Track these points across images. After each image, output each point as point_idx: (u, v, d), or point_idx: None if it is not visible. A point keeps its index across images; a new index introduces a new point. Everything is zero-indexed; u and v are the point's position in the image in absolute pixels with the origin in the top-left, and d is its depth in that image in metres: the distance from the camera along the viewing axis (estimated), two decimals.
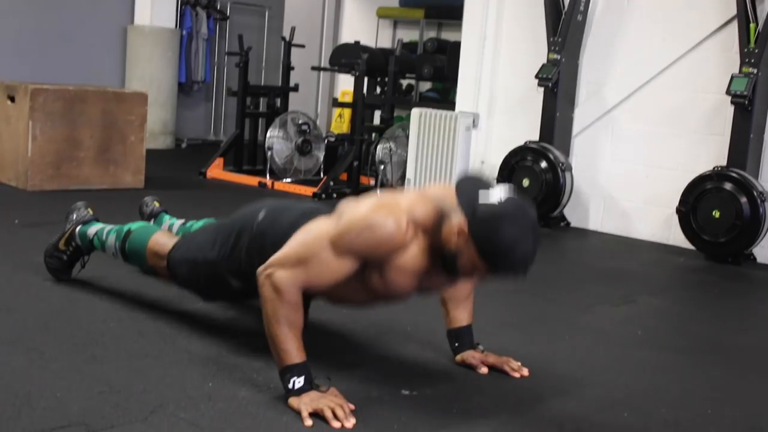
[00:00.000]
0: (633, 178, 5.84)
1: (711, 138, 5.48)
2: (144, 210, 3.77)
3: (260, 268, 2.45)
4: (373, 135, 6.95)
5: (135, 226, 3.24)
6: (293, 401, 2.36)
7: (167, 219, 3.64)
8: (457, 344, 2.88)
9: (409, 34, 9.19)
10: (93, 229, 3.36)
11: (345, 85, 9.20)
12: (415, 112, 6.28)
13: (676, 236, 5.49)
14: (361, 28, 9.60)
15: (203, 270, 2.90)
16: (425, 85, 8.77)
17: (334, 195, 6.46)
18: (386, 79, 7.07)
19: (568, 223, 6.07)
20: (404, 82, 8.54)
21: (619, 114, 5.90)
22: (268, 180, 6.76)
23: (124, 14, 8.77)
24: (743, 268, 5.06)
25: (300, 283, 2.39)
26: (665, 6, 5.68)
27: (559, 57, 5.87)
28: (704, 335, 3.57)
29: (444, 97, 8.11)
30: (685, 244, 5.35)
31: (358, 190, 6.69)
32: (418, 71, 7.36)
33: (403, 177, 6.50)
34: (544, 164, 5.79)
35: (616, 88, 5.89)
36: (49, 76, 7.80)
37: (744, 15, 5.12)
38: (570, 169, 5.88)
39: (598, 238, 5.82)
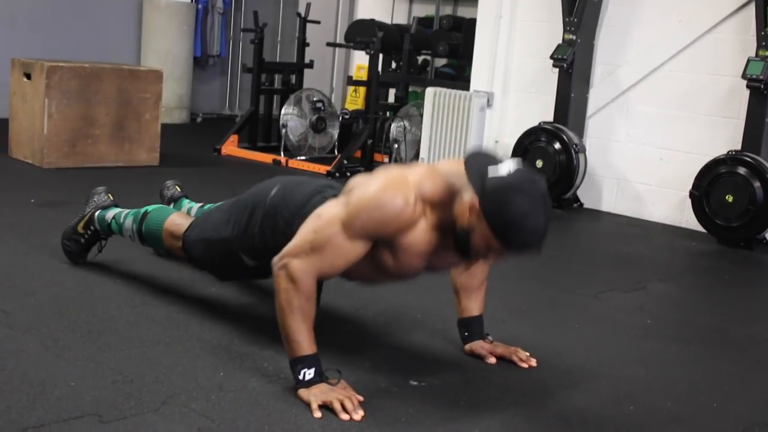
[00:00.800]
0: (647, 160, 5.83)
1: (726, 121, 5.46)
2: (164, 193, 3.79)
3: (275, 258, 2.48)
4: (388, 113, 6.95)
5: (152, 208, 3.29)
6: (303, 393, 2.40)
7: (186, 203, 3.67)
8: (466, 334, 2.91)
9: (425, 9, 9.12)
10: (111, 213, 3.40)
11: (360, 59, 9.16)
12: (430, 91, 6.28)
13: (689, 219, 5.49)
14: (376, 3, 9.53)
15: (218, 248, 2.93)
16: (441, 60, 8.74)
17: (348, 174, 6.47)
18: (401, 56, 7.05)
19: (582, 204, 6.07)
20: (420, 58, 8.51)
21: (634, 95, 5.88)
22: (282, 157, 6.78)
23: None
24: (756, 252, 5.05)
25: (315, 271, 2.42)
26: None
27: (574, 37, 5.84)
28: (713, 325, 3.59)
29: (459, 73, 8.08)
30: (698, 227, 5.35)
31: (372, 168, 6.69)
32: (433, 48, 7.34)
33: (417, 156, 6.51)
34: (557, 145, 5.78)
35: (632, 70, 5.86)
36: (65, 51, 7.82)
37: None
38: (584, 150, 5.87)
39: (611, 220, 5.83)
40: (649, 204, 5.84)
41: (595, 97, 6.02)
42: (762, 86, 5.04)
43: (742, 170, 5.06)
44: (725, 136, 5.44)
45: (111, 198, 3.50)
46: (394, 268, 2.50)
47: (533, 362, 2.86)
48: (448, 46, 7.19)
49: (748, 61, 5.11)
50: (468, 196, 2.32)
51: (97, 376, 2.44)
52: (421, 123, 6.42)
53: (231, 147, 7.12)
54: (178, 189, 3.79)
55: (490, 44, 6.41)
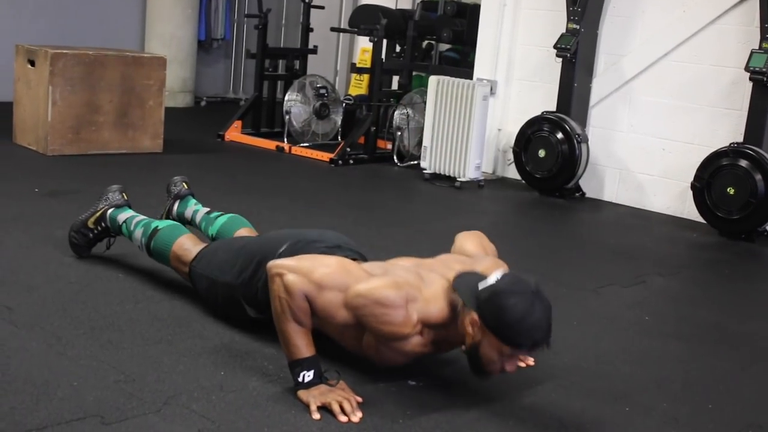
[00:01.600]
0: (649, 150, 5.84)
1: (729, 112, 5.46)
2: (172, 189, 3.72)
3: (271, 263, 2.51)
4: (391, 100, 6.95)
5: (162, 224, 3.28)
6: (302, 394, 2.43)
7: (192, 204, 3.62)
8: None
9: None
10: (123, 215, 3.42)
11: (365, 42, 9.14)
12: (433, 79, 6.28)
13: (690, 210, 5.50)
14: None
15: (221, 291, 2.96)
16: (445, 44, 8.71)
17: (351, 161, 6.49)
18: (405, 42, 7.04)
19: (584, 194, 6.09)
20: (424, 42, 8.49)
21: (637, 85, 5.88)
22: (285, 144, 6.79)
23: None
24: (756, 245, 5.07)
25: (307, 293, 2.46)
26: None
27: (578, 27, 5.84)
28: (711, 321, 3.61)
29: (464, 57, 8.07)
30: (700, 218, 5.36)
31: (375, 155, 6.72)
32: (437, 35, 7.33)
33: (419, 143, 6.52)
34: (560, 135, 5.79)
35: (635, 60, 5.86)
36: (69, 35, 7.84)
37: None
38: (586, 140, 5.88)
39: (613, 210, 5.84)
40: (651, 194, 5.85)
41: (598, 87, 6.03)
42: (765, 79, 5.03)
43: (743, 163, 5.06)
44: (728, 127, 5.45)
45: (125, 197, 3.52)
46: (376, 357, 2.58)
47: (531, 361, 2.89)
48: (452, 33, 7.18)
49: (752, 53, 5.11)
50: (466, 314, 2.42)
51: (99, 376, 2.48)
52: (425, 110, 6.43)
53: (234, 133, 7.14)
54: (185, 186, 3.74)
55: (494, 32, 6.41)
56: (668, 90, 5.74)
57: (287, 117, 6.90)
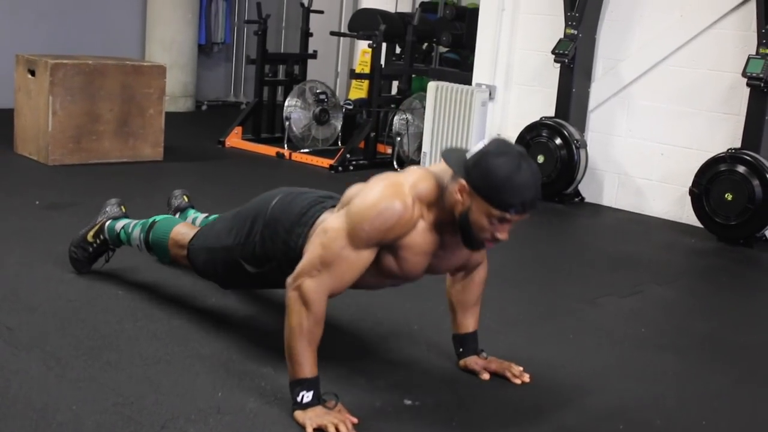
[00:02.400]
0: (648, 155, 5.85)
1: (727, 117, 5.47)
2: (172, 202, 3.86)
3: (289, 279, 2.53)
4: (391, 105, 6.97)
5: (159, 218, 3.36)
6: (299, 415, 2.46)
7: (192, 213, 3.73)
8: (461, 350, 2.96)
9: None
10: (121, 223, 3.48)
11: (365, 44, 9.15)
12: (432, 85, 6.30)
13: (689, 215, 5.51)
14: None
15: (220, 256, 2.99)
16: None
17: (351, 167, 6.51)
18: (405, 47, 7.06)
19: (583, 199, 6.10)
20: (424, 44, 8.50)
21: (636, 90, 5.89)
22: (285, 150, 6.81)
23: None
24: (755, 250, 5.08)
25: (328, 288, 2.49)
26: None
27: (576, 32, 5.85)
28: (707, 333, 3.63)
29: (463, 59, 8.08)
30: (699, 222, 5.37)
31: (375, 160, 6.74)
32: (437, 38, 7.34)
33: (419, 149, 6.54)
34: (558, 141, 5.81)
35: (633, 65, 5.87)
36: (70, 41, 7.87)
37: None
38: (585, 146, 5.90)
39: (612, 215, 5.86)
40: (650, 199, 5.87)
41: (596, 92, 6.04)
42: (762, 84, 5.05)
43: (741, 168, 5.08)
44: (726, 132, 5.46)
45: (123, 210, 3.58)
46: (398, 271, 2.58)
47: (526, 378, 2.91)
48: (451, 36, 7.19)
49: (749, 59, 5.11)
50: (455, 182, 2.43)
51: (98, 399, 2.50)
52: (424, 116, 6.45)
53: (235, 139, 7.16)
54: (186, 199, 3.84)
55: (493, 37, 6.42)
56: (666, 95, 5.75)
57: (287, 123, 6.93)
